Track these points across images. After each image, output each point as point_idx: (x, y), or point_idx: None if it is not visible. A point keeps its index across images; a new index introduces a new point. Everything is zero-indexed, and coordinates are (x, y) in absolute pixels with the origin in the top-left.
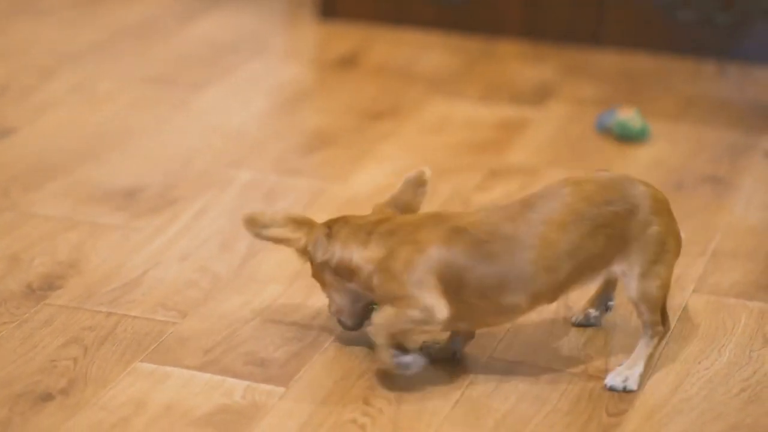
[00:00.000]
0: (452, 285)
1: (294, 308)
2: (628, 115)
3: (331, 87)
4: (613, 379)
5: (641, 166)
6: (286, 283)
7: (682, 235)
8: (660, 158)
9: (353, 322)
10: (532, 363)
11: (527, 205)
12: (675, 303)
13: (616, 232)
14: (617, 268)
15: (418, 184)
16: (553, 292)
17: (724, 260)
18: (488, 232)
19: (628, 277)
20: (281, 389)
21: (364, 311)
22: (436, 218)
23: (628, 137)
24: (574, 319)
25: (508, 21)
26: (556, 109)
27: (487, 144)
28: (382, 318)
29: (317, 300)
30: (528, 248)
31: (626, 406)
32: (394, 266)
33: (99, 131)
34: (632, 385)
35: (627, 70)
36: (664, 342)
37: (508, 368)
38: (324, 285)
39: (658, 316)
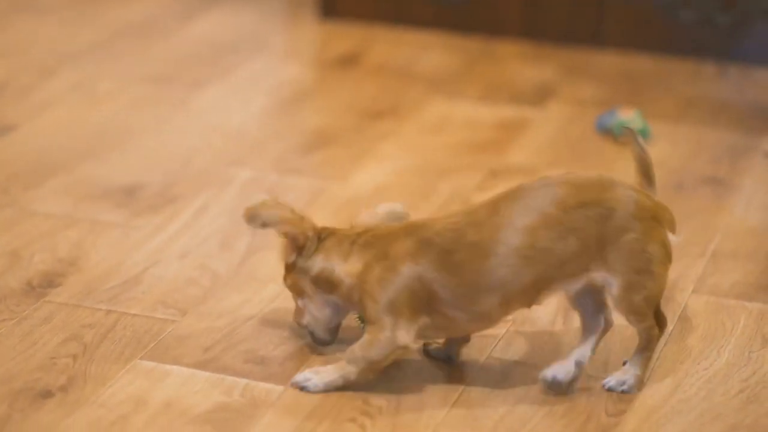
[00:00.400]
0: (424, 298)
1: (293, 307)
2: (629, 116)
3: (331, 86)
4: (611, 382)
5: None
6: None
7: (678, 238)
8: (660, 159)
9: (327, 336)
10: (530, 363)
11: (494, 208)
12: (675, 304)
13: (590, 236)
14: (597, 276)
15: (398, 217)
16: (525, 297)
17: (723, 261)
18: (454, 241)
19: (611, 287)
20: (280, 388)
21: (338, 325)
22: (409, 229)
23: None
24: (542, 376)
25: (508, 21)
26: (556, 109)
27: (487, 144)
28: (357, 353)
29: None
30: (492, 254)
31: (625, 407)
32: (370, 284)
33: (99, 130)
34: (630, 388)
35: (627, 71)
36: (663, 342)
37: (506, 368)
38: (301, 294)
39: (650, 322)
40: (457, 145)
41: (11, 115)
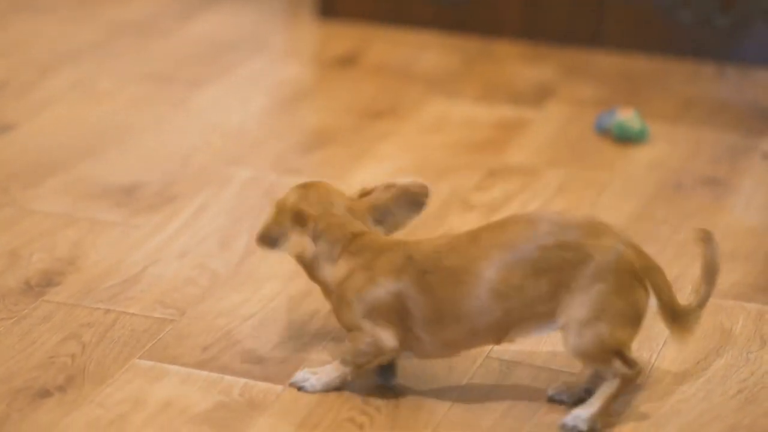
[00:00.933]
0: (400, 315)
1: (292, 306)
2: (628, 116)
3: (331, 86)
4: (566, 418)
5: (640, 167)
6: (284, 281)
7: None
8: (659, 159)
9: None
10: (529, 363)
11: (476, 237)
12: None
13: (563, 279)
14: (560, 321)
15: (414, 202)
16: (493, 333)
17: (722, 262)
18: (433, 263)
19: (566, 331)
20: (279, 387)
21: None
22: (399, 245)
23: (627, 138)
24: (550, 392)
25: (507, 21)
26: (555, 109)
27: (486, 144)
28: (347, 357)
29: (315, 298)
30: (464, 283)
31: (623, 408)
32: (348, 293)
33: (99, 128)
34: (581, 424)
35: (626, 71)
36: (661, 343)
37: (505, 368)
38: None
39: (609, 363)
40: (456, 144)
41: (10, 114)
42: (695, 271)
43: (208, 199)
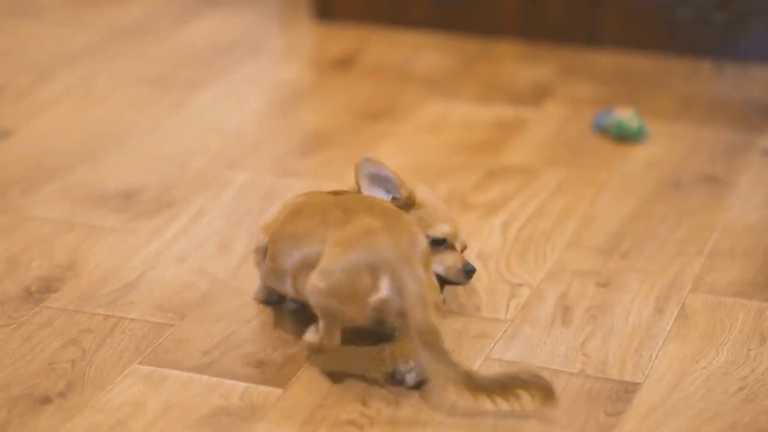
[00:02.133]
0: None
1: (292, 310)
2: (626, 115)
3: (328, 88)
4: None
5: (638, 165)
6: None
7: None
8: (657, 158)
9: None
10: (529, 363)
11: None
12: (672, 302)
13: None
14: None
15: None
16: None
17: (721, 259)
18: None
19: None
20: (279, 391)
21: None
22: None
23: (625, 137)
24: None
25: (505, 21)
26: (553, 109)
27: (484, 144)
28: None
29: None
30: (280, 237)
31: (624, 406)
32: None
33: (96, 132)
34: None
35: (624, 70)
36: (661, 341)
37: (505, 368)
38: None
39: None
40: (454, 145)
41: (8, 118)
42: (695, 269)
43: (206, 203)
